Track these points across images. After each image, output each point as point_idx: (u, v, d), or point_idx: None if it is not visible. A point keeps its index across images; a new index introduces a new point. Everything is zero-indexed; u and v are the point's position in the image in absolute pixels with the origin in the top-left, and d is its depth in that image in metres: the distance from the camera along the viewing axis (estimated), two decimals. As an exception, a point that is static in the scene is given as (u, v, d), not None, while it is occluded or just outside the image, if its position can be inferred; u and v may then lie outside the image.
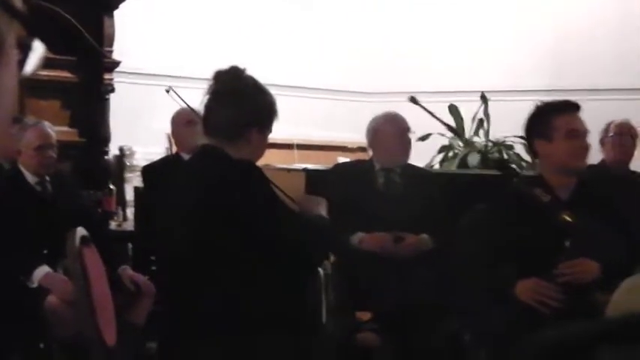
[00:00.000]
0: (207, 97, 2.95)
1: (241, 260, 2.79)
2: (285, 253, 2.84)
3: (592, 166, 4.48)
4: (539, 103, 3.58)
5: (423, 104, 4.50)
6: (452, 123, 6.88)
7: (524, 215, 3.39)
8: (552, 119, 3.45)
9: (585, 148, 3.45)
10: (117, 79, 6.10)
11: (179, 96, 5.17)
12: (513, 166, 6.86)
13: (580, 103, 3.48)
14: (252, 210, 2.78)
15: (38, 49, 0.50)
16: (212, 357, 2.83)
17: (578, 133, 3.42)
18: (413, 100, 3.93)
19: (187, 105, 5.05)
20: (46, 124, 4.48)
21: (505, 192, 3.62)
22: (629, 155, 5.13)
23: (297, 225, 2.89)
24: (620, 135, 5.09)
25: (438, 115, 4.76)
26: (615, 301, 2.41)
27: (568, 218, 3.19)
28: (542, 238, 3.32)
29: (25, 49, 0.49)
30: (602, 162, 5.10)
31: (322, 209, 3.11)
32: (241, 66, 2.97)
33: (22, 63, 0.49)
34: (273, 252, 2.82)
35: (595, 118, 3.87)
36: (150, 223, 4.75)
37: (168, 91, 5.28)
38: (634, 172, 5.15)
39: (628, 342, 0.32)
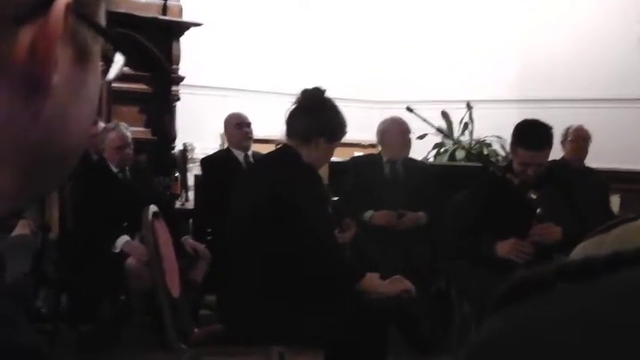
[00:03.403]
0: (292, 106, 2.92)
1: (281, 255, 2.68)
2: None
3: (555, 161, 4.47)
4: (525, 121, 3.47)
5: (419, 111, 4.51)
6: (444, 125, 6.87)
7: (500, 194, 3.38)
8: (517, 147, 3.39)
9: (532, 171, 3.35)
10: (181, 90, 6.11)
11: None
12: (492, 159, 6.84)
13: (543, 110, 3.43)
14: (299, 204, 2.68)
15: (119, 62, 0.50)
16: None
17: (528, 165, 3.36)
18: (409, 109, 3.95)
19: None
20: (122, 126, 4.47)
21: (484, 177, 3.61)
22: (584, 153, 5.09)
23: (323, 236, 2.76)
24: (576, 137, 5.06)
25: (431, 120, 4.74)
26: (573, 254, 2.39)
27: (533, 196, 3.22)
28: (515, 210, 3.31)
29: (108, 61, 0.49)
30: (563, 159, 5.06)
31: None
32: (322, 87, 2.96)
33: (105, 72, 0.50)
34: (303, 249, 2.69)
35: (556, 123, 3.81)
36: (207, 203, 4.77)
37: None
38: (587, 167, 5.11)
39: (583, 279, 0.32)
